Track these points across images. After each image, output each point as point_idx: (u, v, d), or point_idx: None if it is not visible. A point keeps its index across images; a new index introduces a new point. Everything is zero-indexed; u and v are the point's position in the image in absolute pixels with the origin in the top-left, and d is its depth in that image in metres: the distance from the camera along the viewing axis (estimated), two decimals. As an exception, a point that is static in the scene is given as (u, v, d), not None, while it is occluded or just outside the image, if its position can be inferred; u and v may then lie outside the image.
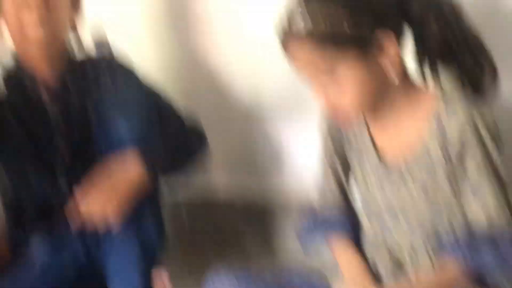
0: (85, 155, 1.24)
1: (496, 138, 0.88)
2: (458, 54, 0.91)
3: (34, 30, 1.18)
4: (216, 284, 1.05)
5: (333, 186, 1.10)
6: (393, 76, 0.90)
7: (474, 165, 0.87)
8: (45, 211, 1.24)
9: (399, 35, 0.90)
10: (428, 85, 0.95)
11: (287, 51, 0.92)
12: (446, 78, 0.93)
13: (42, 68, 1.24)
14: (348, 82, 0.89)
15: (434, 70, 0.93)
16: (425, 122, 0.92)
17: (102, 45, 1.37)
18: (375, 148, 1.01)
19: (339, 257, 1.05)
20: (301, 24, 0.87)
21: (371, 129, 1.02)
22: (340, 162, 1.09)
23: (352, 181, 1.09)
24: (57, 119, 1.24)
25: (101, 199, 1.14)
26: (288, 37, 0.91)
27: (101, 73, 1.28)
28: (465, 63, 0.91)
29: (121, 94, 1.26)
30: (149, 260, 1.20)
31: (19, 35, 1.21)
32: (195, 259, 1.60)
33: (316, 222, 1.10)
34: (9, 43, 1.25)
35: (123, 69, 1.35)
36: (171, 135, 1.30)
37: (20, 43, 1.23)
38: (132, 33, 1.69)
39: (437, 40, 0.89)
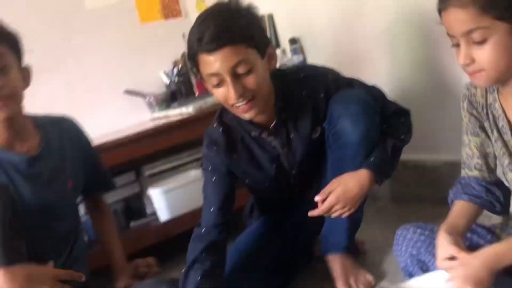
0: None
1: None
2: None
3: None
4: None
5: (476, 158, 1.27)
6: None
7: None
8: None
9: None
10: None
11: (445, 15, 1.09)
12: None
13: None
14: (493, 51, 1.05)
15: None
16: None
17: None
18: (505, 113, 1.18)
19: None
20: None
21: (500, 97, 1.19)
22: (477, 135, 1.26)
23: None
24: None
25: (338, 198, 1.47)
26: (450, 2, 1.07)
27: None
28: None
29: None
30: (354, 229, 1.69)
31: None
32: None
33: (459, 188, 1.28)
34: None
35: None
36: (392, 131, 1.60)
37: None
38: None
39: None
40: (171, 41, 2.80)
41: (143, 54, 2.79)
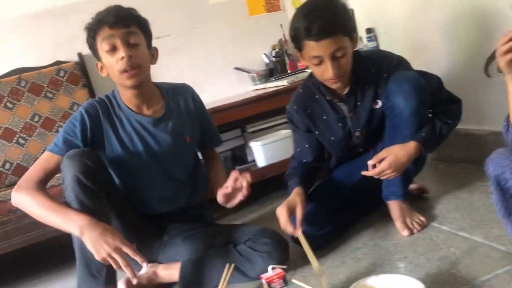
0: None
1: None
2: None
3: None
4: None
5: None
6: None
7: None
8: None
9: None
10: None
11: None
12: None
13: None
14: None
15: None
16: None
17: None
18: None
19: None
20: None
21: None
22: None
23: None
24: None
25: (390, 163, 1.48)
26: None
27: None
28: None
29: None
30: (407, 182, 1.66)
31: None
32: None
33: None
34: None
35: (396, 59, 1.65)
36: (442, 115, 1.58)
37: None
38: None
39: None
40: (271, 29, 2.90)
41: (250, 39, 2.91)
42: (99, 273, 1.33)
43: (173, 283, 1.59)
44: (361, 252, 1.53)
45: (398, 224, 1.60)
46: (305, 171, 1.70)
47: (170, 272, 1.58)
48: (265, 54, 2.91)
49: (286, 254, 1.50)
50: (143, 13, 1.54)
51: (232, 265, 1.42)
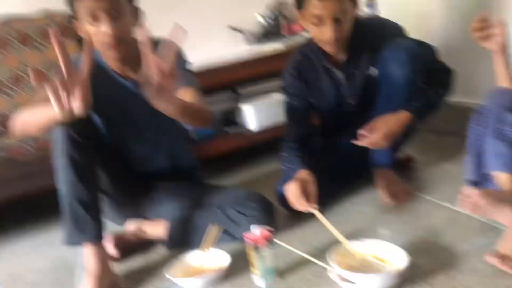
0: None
1: None
2: None
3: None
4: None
5: None
6: None
7: None
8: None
9: None
10: None
11: None
12: None
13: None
14: None
15: None
16: None
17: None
18: None
19: None
20: None
21: None
22: None
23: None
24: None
25: (382, 133, 1.48)
26: None
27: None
28: None
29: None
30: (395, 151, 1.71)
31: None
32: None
33: None
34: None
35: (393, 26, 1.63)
36: (435, 85, 1.57)
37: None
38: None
39: None
40: None
41: (245, -2, 2.84)
42: (87, 226, 1.34)
43: (158, 241, 1.62)
44: (343, 217, 1.56)
45: (383, 192, 1.62)
46: (303, 149, 1.67)
47: (157, 229, 1.61)
48: (260, 14, 2.84)
49: (274, 219, 1.52)
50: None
51: (219, 227, 1.44)
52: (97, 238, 1.36)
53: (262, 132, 2.35)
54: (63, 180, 1.33)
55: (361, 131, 1.51)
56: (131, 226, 1.65)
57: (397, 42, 1.55)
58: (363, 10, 2.52)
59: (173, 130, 1.65)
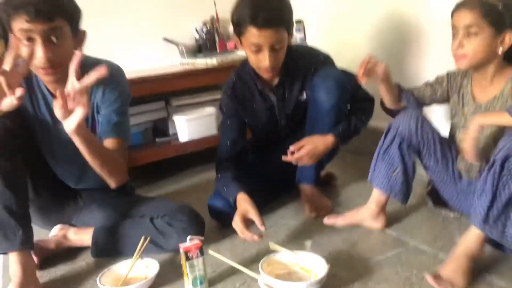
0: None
1: None
2: None
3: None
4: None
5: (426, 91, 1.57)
6: (499, 54, 1.33)
7: None
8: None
9: None
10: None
11: (457, 14, 1.34)
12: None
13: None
14: (477, 44, 1.31)
15: None
16: (505, 82, 1.34)
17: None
18: (472, 92, 1.44)
19: None
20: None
21: (472, 81, 1.44)
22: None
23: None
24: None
25: (308, 152, 1.62)
26: (464, 5, 1.33)
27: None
28: None
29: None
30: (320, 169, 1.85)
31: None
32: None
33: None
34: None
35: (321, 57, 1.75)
36: (357, 112, 1.74)
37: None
38: None
39: None
40: (204, 5, 2.86)
41: (181, 11, 2.85)
42: (15, 235, 1.30)
43: (83, 248, 1.60)
44: (272, 229, 1.65)
45: (307, 206, 1.75)
46: (238, 165, 1.74)
47: (82, 237, 1.59)
48: (195, 28, 2.90)
49: (202, 231, 1.55)
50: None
51: (148, 238, 1.44)
52: (24, 247, 1.32)
53: (191, 143, 2.39)
54: None
55: (291, 148, 1.63)
56: (55, 233, 1.61)
57: (327, 70, 1.69)
58: (293, 34, 2.67)
59: None
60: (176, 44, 2.83)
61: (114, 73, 1.47)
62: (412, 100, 1.57)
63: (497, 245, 1.30)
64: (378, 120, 2.24)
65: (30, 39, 1.25)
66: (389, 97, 1.57)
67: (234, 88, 1.74)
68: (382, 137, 1.54)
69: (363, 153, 2.32)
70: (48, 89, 1.46)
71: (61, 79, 1.29)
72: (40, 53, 1.26)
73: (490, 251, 1.32)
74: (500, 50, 1.32)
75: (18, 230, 1.30)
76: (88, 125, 1.47)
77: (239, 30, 1.57)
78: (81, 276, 1.47)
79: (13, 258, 1.31)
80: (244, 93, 1.74)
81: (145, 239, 1.43)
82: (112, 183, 1.45)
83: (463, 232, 1.27)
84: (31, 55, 1.24)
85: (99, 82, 1.32)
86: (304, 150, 1.62)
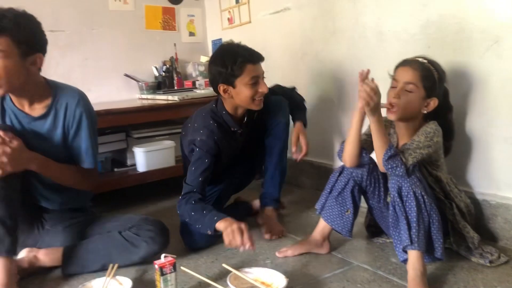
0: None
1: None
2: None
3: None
4: None
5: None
6: (423, 112, 1.57)
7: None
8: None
9: (438, 102, 1.58)
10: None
11: (401, 68, 1.59)
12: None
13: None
14: (410, 100, 1.55)
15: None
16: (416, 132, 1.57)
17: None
18: (397, 141, 1.66)
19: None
20: (419, 60, 1.58)
21: (397, 133, 1.67)
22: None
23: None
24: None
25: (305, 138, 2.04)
26: (405, 64, 1.58)
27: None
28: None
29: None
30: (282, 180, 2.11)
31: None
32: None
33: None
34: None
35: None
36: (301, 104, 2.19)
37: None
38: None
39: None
40: (164, 45, 3.08)
41: (142, 50, 3.04)
42: (2, 242, 1.39)
43: (54, 267, 1.66)
44: (231, 252, 1.80)
45: (265, 227, 1.98)
46: (208, 199, 1.98)
47: (52, 256, 1.65)
48: (155, 67, 3.07)
49: (167, 239, 1.69)
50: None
51: (116, 265, 1.54)
52: (10, 253, 1.41)
53: (149, 173, 2.49)
54: None
55: (293, 149, 2.04)
56: (25, 254, 1.66)
57: (275, 107, 2.03)
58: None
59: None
60: (137, 80, 2.97)
61: (84, 97, 1.67)
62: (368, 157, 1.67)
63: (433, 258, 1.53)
64: (322, 158, 2.51)
65: None
66: (354, 148, 1.62)
67: (214, 132, 1.87)
68: (334, 177, 1.69)
69: (309, 187, 2.58)
70: (12, 102, 1.60)
71: (20, 93, 1.56)
72: None
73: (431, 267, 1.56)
74: (425, 111, 1.58)
75: (6, 237, 1.40)
76: (59, 141, 1.63)
77: (235, 73, 1.78)
78: (52, 294, 1.53)
79: None
80: (221, 135, 1.89)
81: (113, 267, 1.53)
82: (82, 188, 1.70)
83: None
84: None
85: (68, 108, 1.60)
86: (303, 140, 2.01)
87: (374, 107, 1.46)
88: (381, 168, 1.54)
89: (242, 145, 2.02)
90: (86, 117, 1.64)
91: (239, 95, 1.82)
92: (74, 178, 1.65)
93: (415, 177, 1.48)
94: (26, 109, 1.60)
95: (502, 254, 1.60)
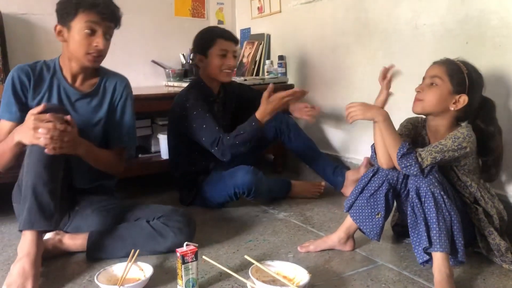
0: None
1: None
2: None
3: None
4: None
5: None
6: (451, 110, 1.53)
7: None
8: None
9: (469, 99, 1.52)
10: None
11: (428, 68, 1.58)
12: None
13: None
14: (435, 93, 1.52)
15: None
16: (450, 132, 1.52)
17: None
18: (428, 140, 1.62)
19: None
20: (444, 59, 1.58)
21: (427, 132, 1.64)
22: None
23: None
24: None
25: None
26: (436, 62, 1.57)
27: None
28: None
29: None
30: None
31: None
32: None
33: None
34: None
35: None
36: None
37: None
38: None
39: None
40: (193, 33, 2.98)
41: (171, 37, 3.04)
42: (52, 218, 1.44)
43: (75, 252, 1.67)
44: (253, 243, 1.78)
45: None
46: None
47: (76, 241, 1.66)
48: (182, 54, 3.06)
49: (194, 231, 1.71)
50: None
51: (137, 251, 1.52)
52: (56, 228, 1.51)
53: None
54: (33, 171, 1.42)
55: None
56: (50, 236, 1.67)
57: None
58: (274, 67, 2.88)
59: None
60: (164, 67, 2.97)
61: (127, 80, 1.84)
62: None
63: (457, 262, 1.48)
64: (351, 153, 2.47)
65: (93, 32, 1.61)
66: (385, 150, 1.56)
67: (199, 91, 2.14)
68: (367, 177, 1.62)
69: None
70: (64, 78, 1.69)
71: (84, 71, 1.71)
72: (99, 43, 1.63)
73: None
74: (453, 108, 1.52)
75: (54, 214, 1.45)
76: (103, 119, 1.74)
77: (207, 44, 2.11)
78: (74, 275, 1.54)
79: (31, 237, 1.41)
80: (203, 96, 2.14)
81: (134, 252, 1.52)
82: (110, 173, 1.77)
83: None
84: None
85: (115, 90, 1.76)
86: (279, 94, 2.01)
87: (367, 117, 1.53)
88: (397, 167, 1.50)
89: (229, 122, 2.26)
90: (131, 99, 1.80)
91: (210, 65, 2.14)
92: (111, 163, 1.73)
93: (433, 178, 1.44)
94: (77, 83, 1.70)
95: (535, 261, 1.54)
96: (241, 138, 1.97)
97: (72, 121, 1.50)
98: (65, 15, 1.59)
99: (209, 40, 2.12)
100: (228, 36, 2.16)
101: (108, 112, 1.74)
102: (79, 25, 1.57)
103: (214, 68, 2.13)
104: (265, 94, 1.95)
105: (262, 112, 1.95)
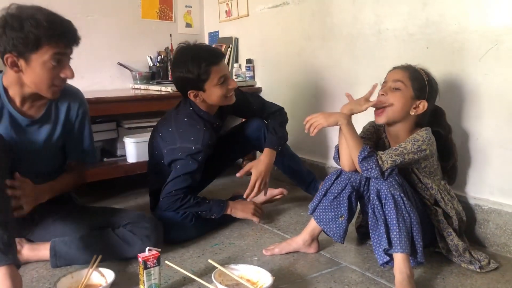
0: None
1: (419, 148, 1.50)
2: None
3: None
4: None
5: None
6: (412, 114, 1.56)
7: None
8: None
9: (428, 105, 1.56)
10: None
11: (390, 72, 1.62)
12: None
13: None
14: (398, 98, 1.55)
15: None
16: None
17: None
18: (389, 144, 1.66)
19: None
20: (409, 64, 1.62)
21: (388, 136, 1.67)
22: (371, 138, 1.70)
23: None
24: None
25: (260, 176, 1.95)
26: (394, 68, 1.61)
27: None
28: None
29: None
30: None
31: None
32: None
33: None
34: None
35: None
36: (279, 122, 2.08)
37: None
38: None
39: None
40: (160, 36, 3.05)
41: (138, 40, 3.00)
42: (8, 250, 1.26)
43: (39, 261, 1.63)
44: (218, 247, 1.77)
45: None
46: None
47: (37, 253, 1.61)
48: (149, 57, 3.03)
49: (162, 236, 1.68)
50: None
51: (99, 257, 1.50)
52: (16, 262, 1.28)
53: (139, 164, 2.43)
54: None
55: (237, 174, 1.95)
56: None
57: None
58: (242, 70, 2.88)
59: (60, 170, 1.72)
60: (130, 69, 2.93)
61: (81, 95, 1.69)
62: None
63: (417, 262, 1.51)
64: (316, 156, 2.49)
65: (59, 64, 1.46)
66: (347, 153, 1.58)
67: (208, 136, 1.83)
68: (330, 180, 1.62)
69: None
70: (10, 104, 1.52)
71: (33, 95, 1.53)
72: (67, 73, 1.49)
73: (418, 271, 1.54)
74: (413, 112, 1.56)
75: (11, 245, 1.28)
76: (55, 139, 1.63)
77: (203, 78, 1.77)
78: (32, 283, 1.50)
79: (2, 272, 1.23)
80: (212, 134, 1.87)
81: (96, 258, 1.49)
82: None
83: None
84: None
85: (72, 101, 1.63)
86: (253, 177, 1.93)
87: (331, 123, 1.55)
88: (359, 169, 1.52)
89: (221, 124, 2.06)
90: (87, 116, 1.71)
91: (211, 97, 1.84)
92: (75, 183, 1.73)
93: (393, 180, 1.47)
94: (26, 107, 1.54)
95: (492, 260, 1.58)
96: (200, 209, 1.83)
97: (19, 177, 1.42)
98: (22, 46, 1.36)
99: (203, 73, 1.77)
100: (218, 58, 1.82)
101: (63, 133, 1.63)
102: (43, 58, 1.38)
103: (219, 98, 1.84)
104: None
105: (233, 207, 1.91)
